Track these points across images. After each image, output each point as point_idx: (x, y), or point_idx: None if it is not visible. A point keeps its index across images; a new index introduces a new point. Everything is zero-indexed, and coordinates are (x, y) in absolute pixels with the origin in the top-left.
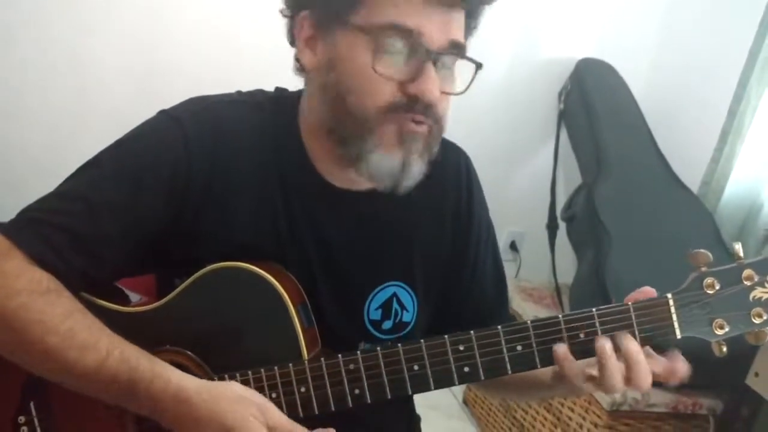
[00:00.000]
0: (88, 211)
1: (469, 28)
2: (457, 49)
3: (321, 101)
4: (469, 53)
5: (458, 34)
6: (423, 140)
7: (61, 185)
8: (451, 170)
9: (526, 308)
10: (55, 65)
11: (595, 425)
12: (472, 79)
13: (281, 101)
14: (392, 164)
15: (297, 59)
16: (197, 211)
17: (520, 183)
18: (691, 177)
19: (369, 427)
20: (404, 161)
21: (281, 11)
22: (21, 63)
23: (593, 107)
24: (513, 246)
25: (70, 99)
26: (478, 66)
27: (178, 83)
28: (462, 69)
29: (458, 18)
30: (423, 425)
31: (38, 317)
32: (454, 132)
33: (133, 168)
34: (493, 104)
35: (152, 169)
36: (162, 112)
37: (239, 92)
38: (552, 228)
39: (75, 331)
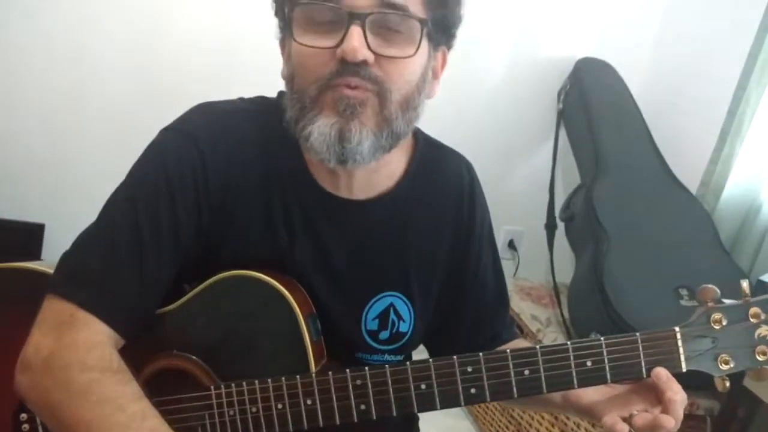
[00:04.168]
0: (140, 254)
1: None
2: (389, 8)
3: (287, 100)
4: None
5: None
6: (364, 108)
7: (97, 229)
8: (452, 178)
9: (524, 307)
10: (55, 58)
11: (593, 425)
12: (421, 38)
13: (282, 108)
14: (325, 131)
15: None
16: (211, 222)
17: (519, 182)
18: (690, 177)
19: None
20: (341, 129)
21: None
22: (20, 55)
23: (592, 107)
24: (511, 244)
25: (69, 92)
26: (422, 23)
27: (177, 78)
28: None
29: None
30: (420, 422)
31: (112, 395)
32: (453, 131)
33: (162, 186)
34: (493, 103)
35: (180, 186)
36: (168, 130)
37: (242, 99)
38: (550, 227)
39: (146, 414)
